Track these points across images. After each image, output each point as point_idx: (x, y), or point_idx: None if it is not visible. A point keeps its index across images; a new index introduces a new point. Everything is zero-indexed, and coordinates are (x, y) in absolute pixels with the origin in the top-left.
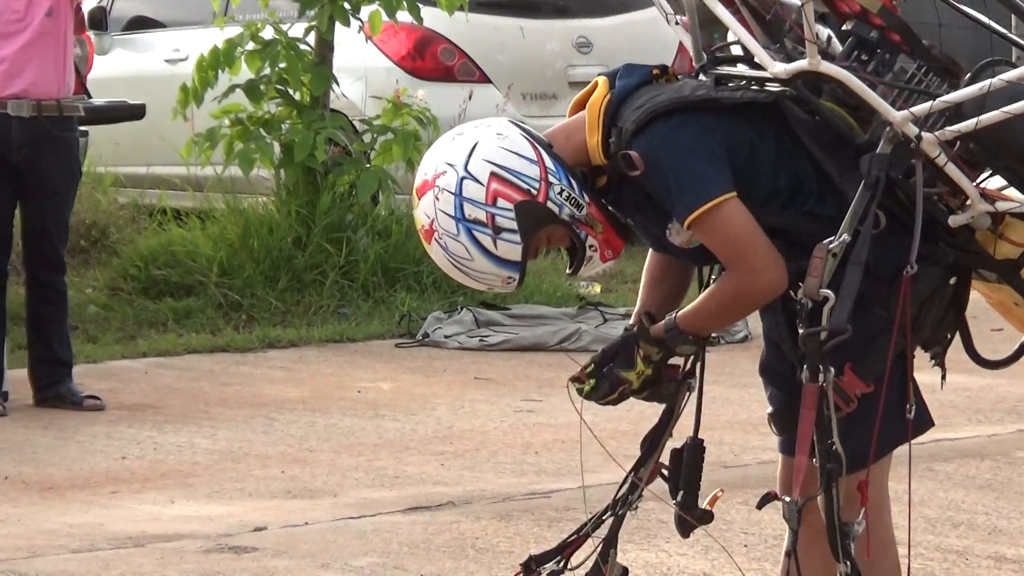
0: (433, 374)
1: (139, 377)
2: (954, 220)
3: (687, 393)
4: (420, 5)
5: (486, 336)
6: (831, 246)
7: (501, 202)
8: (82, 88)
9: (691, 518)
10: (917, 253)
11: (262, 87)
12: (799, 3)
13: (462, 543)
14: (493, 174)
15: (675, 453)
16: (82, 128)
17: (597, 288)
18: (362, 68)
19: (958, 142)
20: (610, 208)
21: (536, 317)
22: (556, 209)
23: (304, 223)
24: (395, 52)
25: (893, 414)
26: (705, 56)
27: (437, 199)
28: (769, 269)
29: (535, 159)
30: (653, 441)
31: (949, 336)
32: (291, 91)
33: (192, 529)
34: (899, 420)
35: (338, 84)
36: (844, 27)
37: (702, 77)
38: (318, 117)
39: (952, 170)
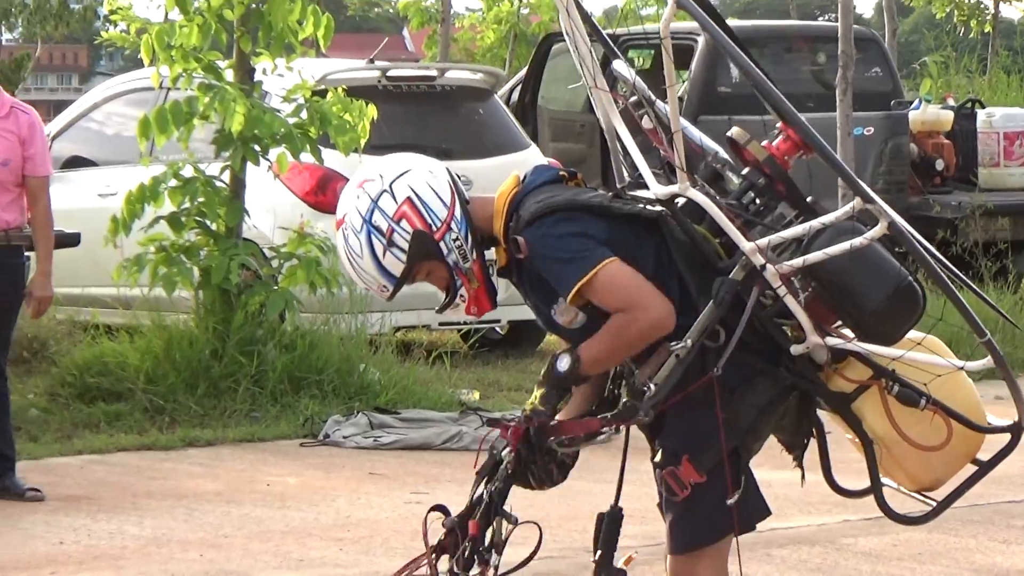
0: (333, 470)
1: (75, 472)
2: (794, 349)
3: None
4: (321, 148)
5: (379, 436)
6: (674, 348)
7: (404, 223)
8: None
9: (606, 574)
10: (758, 368)
11: (183, 219)
12: (713, 149)
13: None
14: (408, 199)
15: (599, 517)
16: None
17: (476, 395)
18: (271, 203)
19: (811, 286)
20: (514, 281)
21: (423, 420)
22: (445, 250)
23: (220, 337)
24: (299, 188)
25: (725, 505)
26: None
27: (358, 198)
28: (658, 307)
29: (448, 205)
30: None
31: (805, 442)
32: (208, 222)
33: None
34: (732, 511)
35: (249, 216)
36: (743, 172)
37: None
38: (232, 245)
39: (790, 301)
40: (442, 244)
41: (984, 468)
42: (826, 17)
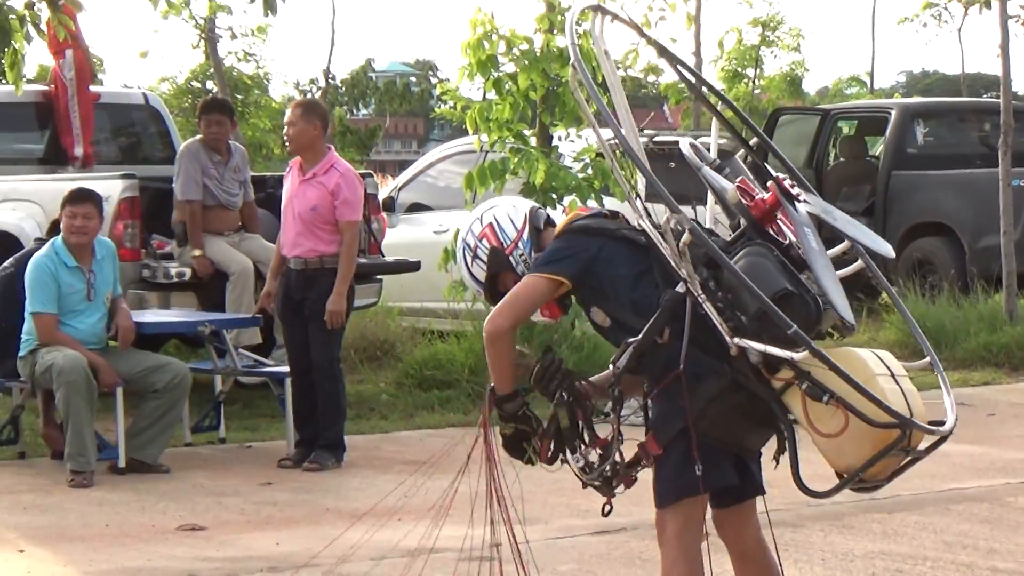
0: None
1: (416, 443)
2: (731, 348)
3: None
4: (603, 196)
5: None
6: (630, 341)
7: (484, 242)
8: (378, 250)
9: None
10: (707, 365)
11: None
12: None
13: (632, 556)
14: (490, 224)
15: None
16: (377, 276)
17: None
18: None
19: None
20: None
21: None
22: (513, 263)
23: (525, 340)
24: None
25: (684, 472)
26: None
27: (466, 228)
28: (502, 322)
29: (517, 230)
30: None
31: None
32: None
33: (451, 544)
34: (691, 476)
35: None
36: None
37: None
38: None
39: (708, 308)
40: (511, 258)
41: (912, 461)
42: (990, 94)
